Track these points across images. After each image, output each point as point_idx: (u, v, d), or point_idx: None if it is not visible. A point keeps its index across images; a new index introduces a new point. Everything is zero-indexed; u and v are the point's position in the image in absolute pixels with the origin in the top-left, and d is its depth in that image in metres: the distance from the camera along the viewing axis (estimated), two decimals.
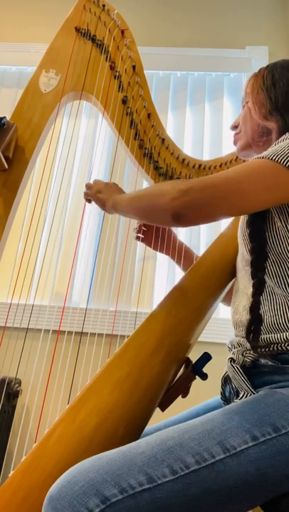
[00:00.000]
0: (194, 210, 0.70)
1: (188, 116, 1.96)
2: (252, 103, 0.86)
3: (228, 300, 1.02)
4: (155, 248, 1.13)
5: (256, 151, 0.89)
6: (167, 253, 1.13)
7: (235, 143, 0.94)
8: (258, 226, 0.75)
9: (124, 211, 0.87)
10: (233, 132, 0.95)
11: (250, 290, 0.76)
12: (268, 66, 0.86)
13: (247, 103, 0.88)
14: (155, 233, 1.12)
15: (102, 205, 0.95)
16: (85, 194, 1.02)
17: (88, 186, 1.01)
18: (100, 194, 0.96)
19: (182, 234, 1.73)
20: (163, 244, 1.12)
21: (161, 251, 1.13)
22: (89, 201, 1.02)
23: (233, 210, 0.71)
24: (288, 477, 0.58)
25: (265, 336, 0.71)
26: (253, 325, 0.72)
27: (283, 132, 0.80)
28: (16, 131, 1.01)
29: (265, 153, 0.69)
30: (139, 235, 1.14)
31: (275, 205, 0.72)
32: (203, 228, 1.77)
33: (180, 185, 0.70)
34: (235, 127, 0.94)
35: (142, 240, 1.14)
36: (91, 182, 1.02)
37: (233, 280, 0.93)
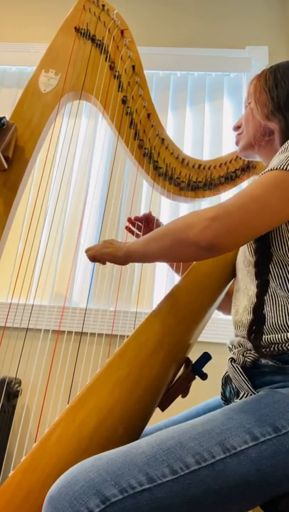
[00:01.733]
0: (228, 237, 0.66)
1: (188, 116, 1.96)
2: (254, 103, 0.86)
3: (224, 307, 1.02)
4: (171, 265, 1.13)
5: (258, 151, 0.89)
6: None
7: (237, 143, 0.94)
8: None
9: (143, 256, 0.81)
10: (236, 133, 0.95)
11: (252, 291, 0.76)
12: (270, 67, 0.87)
13: (249, 103, 0.89)
14: None
15: (113, 257, 0.87)
16: (88, 256, 0.93)
17: (88, 249, 0.94)
18: (105, 249, 0.89)
19: None
20: None
21: None
22: (94, 260, 0.92)
23: (265, 226, 0.69)
24: (288, 477, 0.58)
25: (266, 337, 0.71)
26: (256, 325, 0.72)
27: (285, 132, 0.80)
28: (15, 131, 1.01)
29: (274, 165, 0.69)
30: (132, 228, 1.13)
31: None
32: None
33: (206, 214, 0.67)
34: (237, 127, 0.94)
35: None
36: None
37: (233, 280, 0.93)
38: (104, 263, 0.92)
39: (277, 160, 0.70)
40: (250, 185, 0.69)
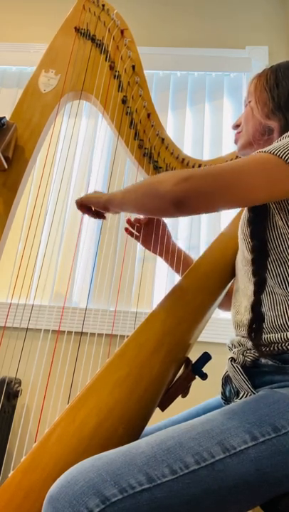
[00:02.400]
0: (196, 198, 0.68)
1: (189, 116, 1.96)
2: (254, 102, 0.86)
3: (224, 305, 1.02)
4: (154, 251, 1.13)
5: (257, 150, 0.89)
6: (166, 259, 1.12)
7: (236, 142, 0.94)
8: (259, 225, 0.75)
9: (120, 203, 0.85)
10: (235, 132, 0.95)
11: (250, 289, 0.76)
12: (271, 67, 0.87)
13: (249, 102, 0.89)
14: (154, 236, 1.11)
15: (97, 201, 0.93)
16: (77, 204, 1.00)
17: (77, 200, 1.00)
18: (90, 195, 0.96)
19: (182, 233, 1.73)
20: (162, 249, 1.12)
21: (160, 255, 1.13)
22: (82, 209, 0.99)
23: (233, 201, 0.70)
24: (288, 477, 0.58)
25: (266, 336, 0.71)
26: (255, 323, 0.72)
27: (284, 131, 0.81)
28: (15, 131, 1.01)
29: (268, 148, 0.69)
30: (131, 230, 1.13)
31: (275, 200, 0.72)
32: (203, 227, 1.77)
33: (181, 173, 0.69)
34: (237, 126, 0.95)
35: (142, 243, 1.13)
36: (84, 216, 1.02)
37: (232, 280, 0.93)
38: (92, 215, 0.99)
39: (273, 145, 0.71)
40: (236, 160, 0.70)
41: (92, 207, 0.98)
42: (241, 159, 0.70)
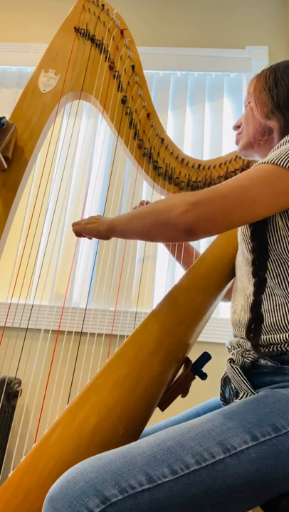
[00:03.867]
0: (207, 223, 0.67)
1: (189, 116, 1.96)
2: (254, 102, 0.86)
3: (228, 297, 1.02)
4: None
5: (257, 150, 0.89)
6: (167, 245, 1.13)
7: (237, 142, 0.94)
8: (260, 226, 0.74)
9: (124, 231, 0.84)
10: (235, 132, 0.95)
11: (249, 289, 0.76)
12: (270, 67, 0.87)
13: (249, 103, 0.89)
14: None
15: (96, 232, 0.91)
16: (74, 231, 0.98)
17: (74, 224, 0.98)
18: (89, 225, 0.93)
19: None
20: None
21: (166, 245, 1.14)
22: (79, 235, 0.98)
23: (243, 219, 0.69)
24: (288, 477, 0.58)
25: (265, 337, 0.71)
26: (254, 324, 0.72)
27: (284, 131, 0.81)
28: (15, 131, 1.01)
29: (268, 158, 0.69)
30: None
31: (284, 209, 0.72)
32: None
33: (188, 198, 0.68)
34: (237, 127, 0.95)
35: None
36: (84, 215, 1.00)
37: (233, 279, 0.93)
38: (90, 238, 0.97)
39: (271, 154, 0.70)
40: (238, 176, 0.69)
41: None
42: (243, 175, 0.69)
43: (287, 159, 0.67)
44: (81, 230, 0.95)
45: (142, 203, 1.13)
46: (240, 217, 0.68)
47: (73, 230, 0.97)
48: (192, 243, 1.15)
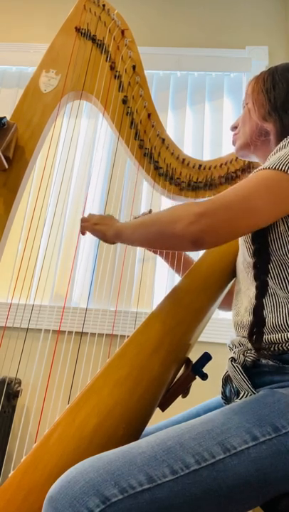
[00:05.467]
0: (213, 234, 0.68)
1: (189, 116, 1.96)
2: (252, 104, 0.87)
3: (224, 305, 1.02)
4: (155, 252, 1.13)
5: (254, 151, 0.90)
6: (166, 259, 1.12)
7: (234, 143, 0.95)
8: (261, 229, 0.75)
9: (129, 239, 0.84)
10: (233, 133, 0.96)
11: (252, 292, 0.76)
12: (269, 69, 0.88)
13: (247, 104, 0.90)
14: None
15: (103, 235, 0.92)
16: (82, 227, 0.99)
17: (84, 220, 0.99)
18: (98, 226, 0.94)
19: None
20: (162, 251, 1.12)
21: (161, 255, 1.13)
22: (84, 233, 0.99)
23: (250, 228, 0.70)
24: (288, 477, 0.58)
25: (267, 337, 0.71)
26: (256, 327, 0.72)
27: (281, 133, 0.81)
28: (16, 131, 1.01)
29: (269, 164, 0.69)
30: None
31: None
32: None
33: (194, 209, 0.69)
34: (235, 128, 0.95)
35: None
36: (85, 215, 1.00)
37: (232, 281, 0.93)
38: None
39: (271, 159, 0.71)
40: (241, 184, 0.70)
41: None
42: (245, 182, 0.70)
43: (287, 163, 0.67)
44: (90, 229, 0.95)
45: (144, 214, 1.12)
46: (246, 227, 0.69)
47: (81, 226, 0.98)
48: (192, 253, 1.15)
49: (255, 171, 0.71)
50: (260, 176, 0.69)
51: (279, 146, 0.73)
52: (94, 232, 0.94)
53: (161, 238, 0.75)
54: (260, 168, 0.71)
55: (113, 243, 0.91)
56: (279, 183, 0.67)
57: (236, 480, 0.56)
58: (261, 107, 0.85)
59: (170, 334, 0.81)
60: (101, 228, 0.92)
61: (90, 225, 0.95)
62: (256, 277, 0.75)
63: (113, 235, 0.88)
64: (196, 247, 0.70)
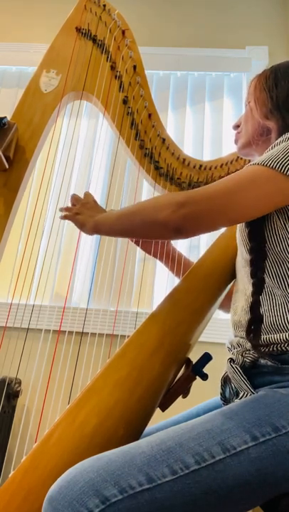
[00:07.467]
0: (194, 223, 0.71)
1: (189, 116, 1.96)
2: (254, 102, 0.87)
3: (224, 306, 1.02)
4: (154, 255, 1.13)
5: (256, 150, 0.90)
6: (166, 263, 1.12)
7: (236, 141, 0.95)
8: (258, 225, 0.75)
9: (109, 231, 0.86)
10: (235, 132, 0.96)
11: (249, 290, 0.76)
12: (271, 67, 0.88)
13: (249, 102, 0.90)
14: (155, 242, 1.11)
15: (82, 225, 0.93)
16: (63, 216, 0.99)
17: (66, 209, 0.99)
18: (79, 216, 0.95)
19: None
20: (162, 253, 1.11)
21: (160, 259, 1.12)
22: (63, 219, 0.99)
23: (231, 221, 0.72)
24: (288, 477, 0.58)
25: (265, 337, 0.71)
26: (254, 324, 0.72)
27: (282, 131, 0.81)
28: (16, 131, 1.01)
29: (259, 159, 0.70)
30: None
31: (273, 210, 0.72)
32: None
33: (177, 198, 0.71)
34: (237, 126, 0.95)
35: (142, 247, 1.12)
36: (77, 195, 1.00)
37: (233, 281, 0.93)
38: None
39: (263, 156, 0.71)
40: (229, 177, 0.71)
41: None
42: (233, 176, 0.71)
43: (278, 161, 0.67)
44: (70, 218, 0.97)
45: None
46: (226, 219, 0.71)
47: (62, 215, 0.99)
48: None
49: (247, 166, 0.71)
50: (248, 171, 0.70)
51: (274, 143, 0.74)
52: (74, 222, 0.96)
53: (145, 226, 0.77)
54: (250, 163, 0.71)
55: (90, 234, 0.92)
56: (264, 179, 0.68)
57: (236, 480, 0.56)
58: (263, 105, 0.85)
59: (170, 334, 0.81)
60: (80, 218, 0.94)
61: (72, 214, 0.96)
62: (253, 274, 0.75)
63: (92, 227, 0.90)
64: (179, 235, 0.72)
